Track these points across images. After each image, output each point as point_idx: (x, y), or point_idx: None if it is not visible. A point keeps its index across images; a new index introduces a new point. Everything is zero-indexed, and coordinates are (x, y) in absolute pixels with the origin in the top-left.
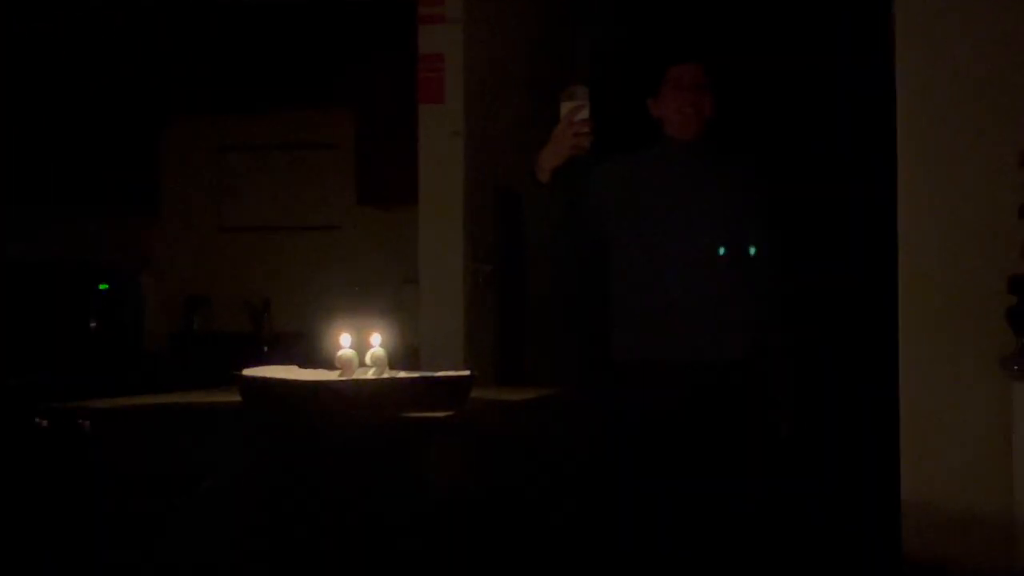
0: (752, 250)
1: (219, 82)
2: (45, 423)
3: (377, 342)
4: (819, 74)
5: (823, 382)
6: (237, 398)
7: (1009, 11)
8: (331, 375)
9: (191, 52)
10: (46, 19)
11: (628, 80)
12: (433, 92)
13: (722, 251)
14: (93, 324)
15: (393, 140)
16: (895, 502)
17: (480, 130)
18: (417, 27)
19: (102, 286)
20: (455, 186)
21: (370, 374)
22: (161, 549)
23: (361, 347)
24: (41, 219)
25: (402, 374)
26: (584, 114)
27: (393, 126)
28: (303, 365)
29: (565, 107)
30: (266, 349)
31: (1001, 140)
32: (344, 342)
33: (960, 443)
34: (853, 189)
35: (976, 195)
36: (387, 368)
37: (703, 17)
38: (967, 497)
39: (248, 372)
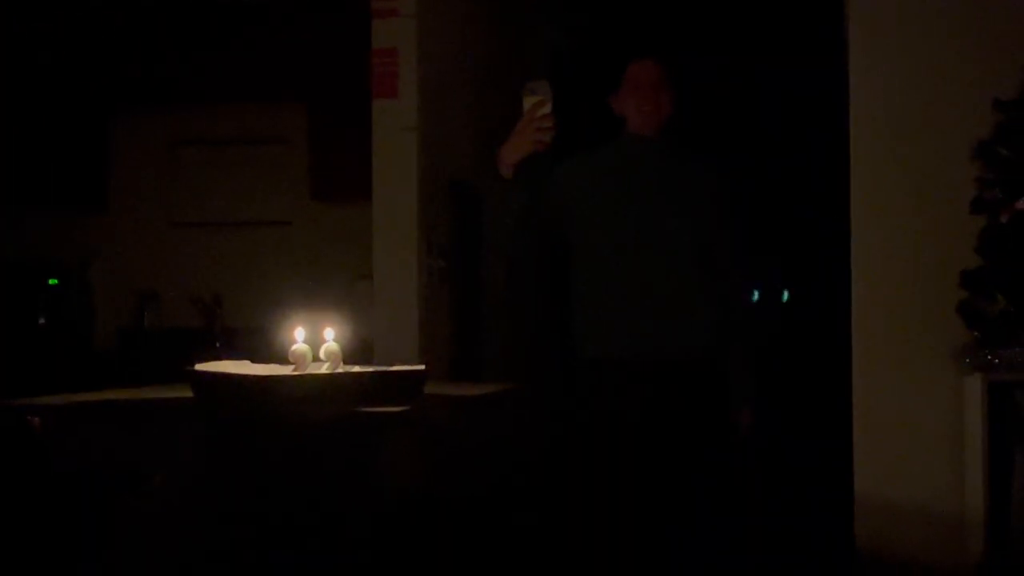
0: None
1: (170, 75)
2: None
3: (331, 337)
4: (778, 71)
5: (784, 379)
6: (190, 394)
7: (960, 8)
8: (285, 370)
9: (141, 44)
10: None
11: (589, 76)
12: (387, 87)
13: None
14: (42, 320)
15: (347, 135)
16: (848, 496)
17: (435, 125)
18: (371, 21)
19: (51, 281)
20: (409, 182)
21: (324, 368)
22: (114, 546)
23: (315, 342)
24: None
25: (356, 368)
26: (546, 109)
27: (347, 121)
28: (256, 360)
29: (527, 102)
30: (218, 344)
31: (954, 133)
32: (298, 337)
33: (912, 437)
34: (811, 185)
35: (929, 189)
36: (341, 363)
37: (663, 14)
38: (919, 490)
39: (200, 367)
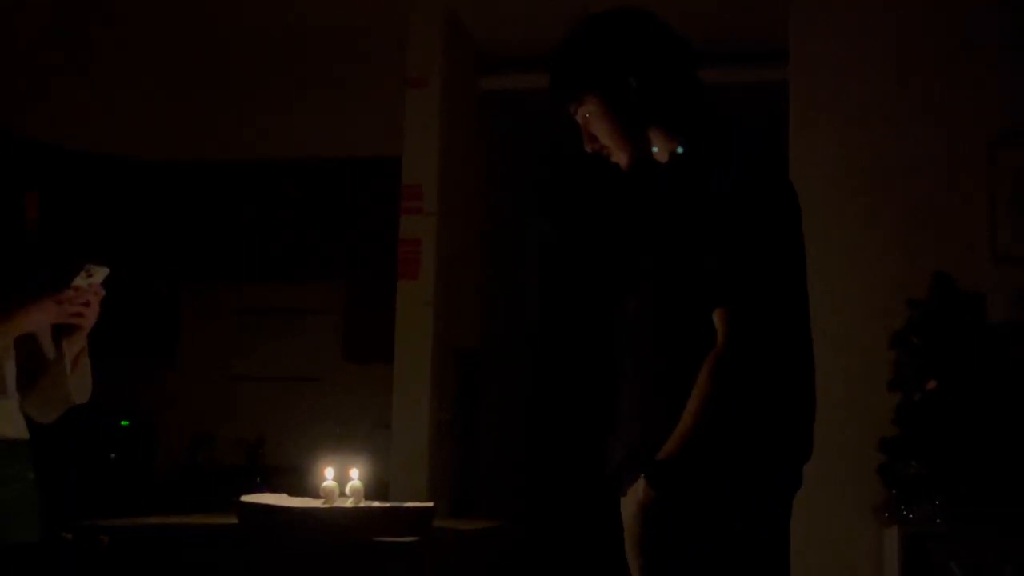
0: None
1: (230, 256)
2: (70, 537)
3: (355, 476)
4: None
5: None
6: (233, 521)
7: (874, 217)
8: (316, 503)
9: (207, 230)
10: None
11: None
12: (411, 270)
13: None
14: (113, 455)
15: (375, 308)
16: None
17: (447, 302)
18: (399, 217)
19: (123, 423)
20: (425, 348)
21: (349, 503)
22: None
23: (342, 480)
24: None
25: (375, 504)
26: None
27: (375, 296)
28: (292, 494)
29: None
30: (259, 480)
31: (874, 323)
32: (328, 475)
33: None
34: None
35: (856, 372)
36: (363, 498)
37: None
38: None
39: (245, 499)
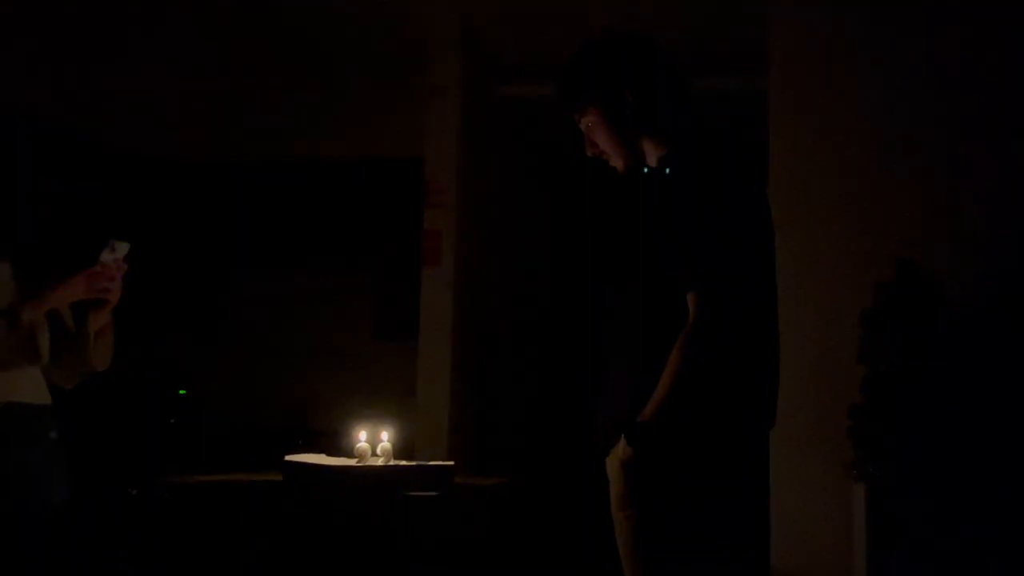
0: None
1: (274, 248)
2: (136, 492)
3: (385, 438)
4: None
5: None
6: (277, 478)
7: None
8: (351, 462)
9: (252, 228)
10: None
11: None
12: (433, 258)
13: None
14: (172, 420)
15: (401, 292)
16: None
17: (465, 286)
18: (424, 211)
19: (181, 391)
20: (446, 327)
21: (380, 462)
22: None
23: (373, 441)
24: (142, 343)
25: (402, 462)
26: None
27: (401, 282)
28: (330, 454)
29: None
30: (300, 442)
31: (845, 304)
32: (361, 437)
33: (814, 527)
34: None
35: (828, 346)
36: (392, 458)
37: None
38: (820, 570)
39: (289, 458)
